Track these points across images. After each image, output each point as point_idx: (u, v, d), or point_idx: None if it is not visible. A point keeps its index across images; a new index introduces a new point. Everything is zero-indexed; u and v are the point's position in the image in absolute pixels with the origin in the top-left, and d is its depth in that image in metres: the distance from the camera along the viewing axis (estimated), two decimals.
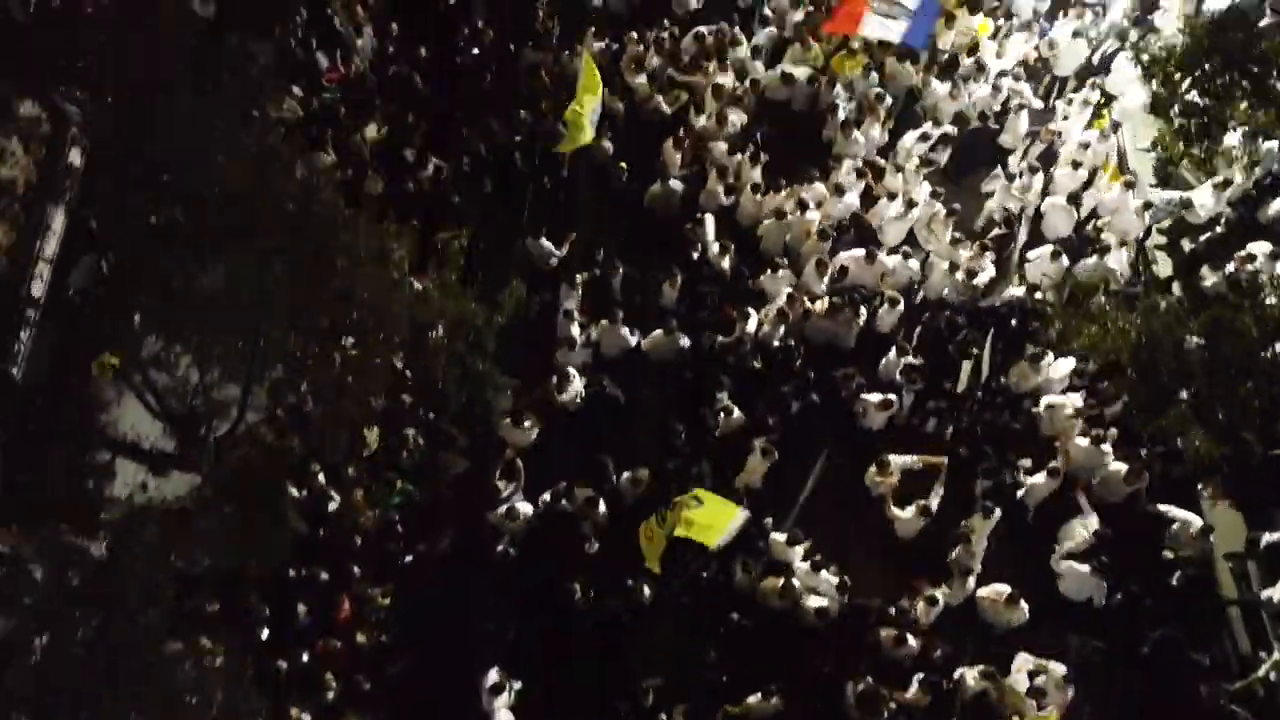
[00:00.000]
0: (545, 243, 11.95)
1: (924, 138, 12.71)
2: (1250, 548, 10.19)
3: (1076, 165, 12.54)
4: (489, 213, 12.78)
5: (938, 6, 12.03)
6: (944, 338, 11.77)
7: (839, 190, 11.87)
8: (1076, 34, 13.29)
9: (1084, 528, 10.09)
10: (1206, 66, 7.15)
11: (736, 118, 12.83)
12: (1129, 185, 11.70)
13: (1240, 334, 6.65)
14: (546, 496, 10.29)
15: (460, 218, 12.31)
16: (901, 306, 11.50)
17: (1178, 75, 7.36)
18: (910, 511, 10.22)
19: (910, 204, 11.88)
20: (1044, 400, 10.95)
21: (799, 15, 13.34)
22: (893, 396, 10.77)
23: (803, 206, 11.85)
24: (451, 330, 8.00)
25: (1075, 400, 10.78)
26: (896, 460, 10.43)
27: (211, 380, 9.96)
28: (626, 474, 10.34)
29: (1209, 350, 6.77)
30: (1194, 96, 7.56)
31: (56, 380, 10.48)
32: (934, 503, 10.19)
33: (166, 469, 8.94)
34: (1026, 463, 10.67)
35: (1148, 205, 11.67)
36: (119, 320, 9.25)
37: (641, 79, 13.19)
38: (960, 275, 11.62)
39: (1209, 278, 11.81)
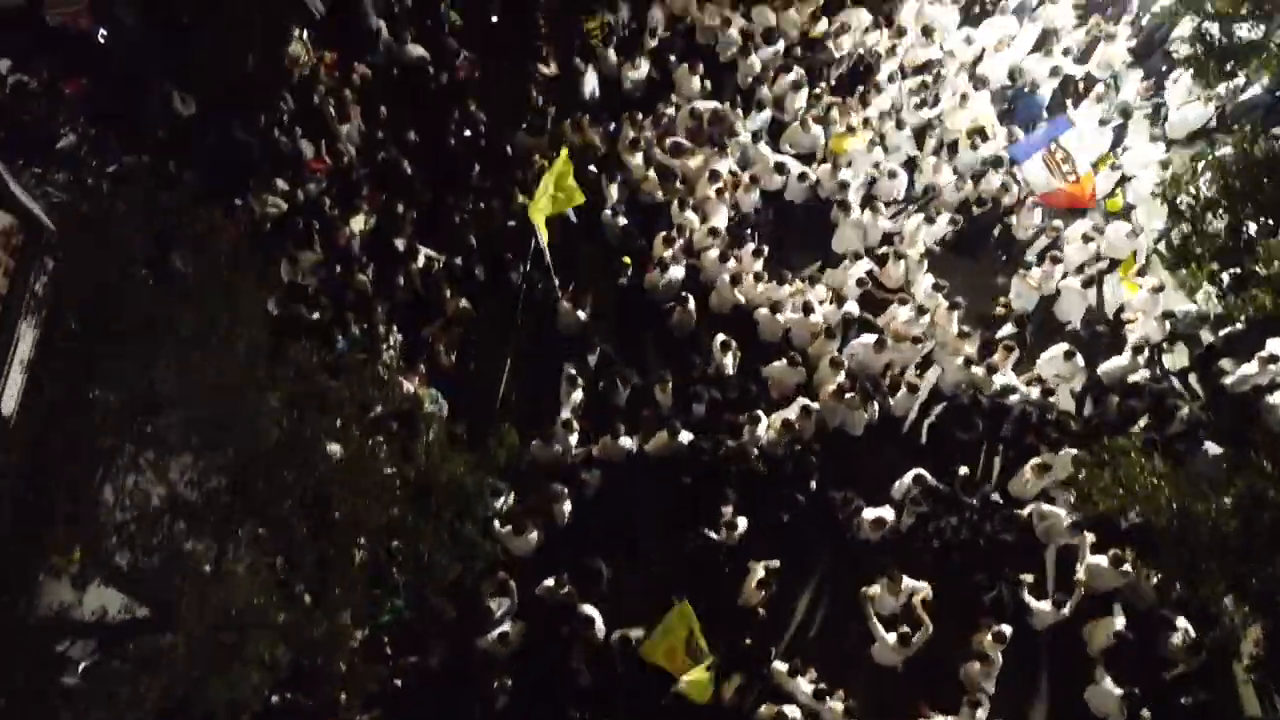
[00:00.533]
0: (570, 308, 11.73)
1: (929, 221, 12.30)
2: None
3: (1088, 239, 12.19)
4: (483, 303, 12.36)
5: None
6: (952, 435, 11.41)
7: (839, 300, 11.42)
8: (1103, 122, 12.85)
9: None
10: (1241, 210, 6.74)
11: (737, 202, 12.44)
12: (1157, 290, 11.30)
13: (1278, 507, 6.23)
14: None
15: (454, 313, 11.96)
16: (920, 394, 11.20)
17: (1207, 216, 6.96)
18: (893, 637, 9.76)
19: (920, 311, 11.45)
20: (1038, 508, 10.54)
21: (800, 100, 12.89)
22: (888, 514, 10.32)
23: (807, 309, 11.43)
24: (442, 497, 7.51)
25: (1064, 511, 10.35)
26: (908, 583, 9.97)
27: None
28: (617, 633, 9.99)
29: (1244, 523, 6.34)
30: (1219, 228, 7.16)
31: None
32: (917, 638, 9.75)
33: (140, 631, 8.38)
34: (1028, 578, 10.20)
35: (1168, 314, 11.29)
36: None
37: (638, 159, 12.77)
38: (978, 370, 11.24)
39: (1230, 374, 11.44)
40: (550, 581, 10.12)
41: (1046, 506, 10.59)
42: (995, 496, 10.99)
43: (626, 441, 10.71)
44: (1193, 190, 7.41)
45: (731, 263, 11.65)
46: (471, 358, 12.38)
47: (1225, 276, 7.12)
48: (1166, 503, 6.62)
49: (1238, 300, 7.43)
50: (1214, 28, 7.82)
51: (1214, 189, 7.23)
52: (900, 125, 13.03)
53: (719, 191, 12.06)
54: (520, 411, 11.85)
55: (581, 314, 11.92)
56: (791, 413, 10.81)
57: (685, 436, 10.63)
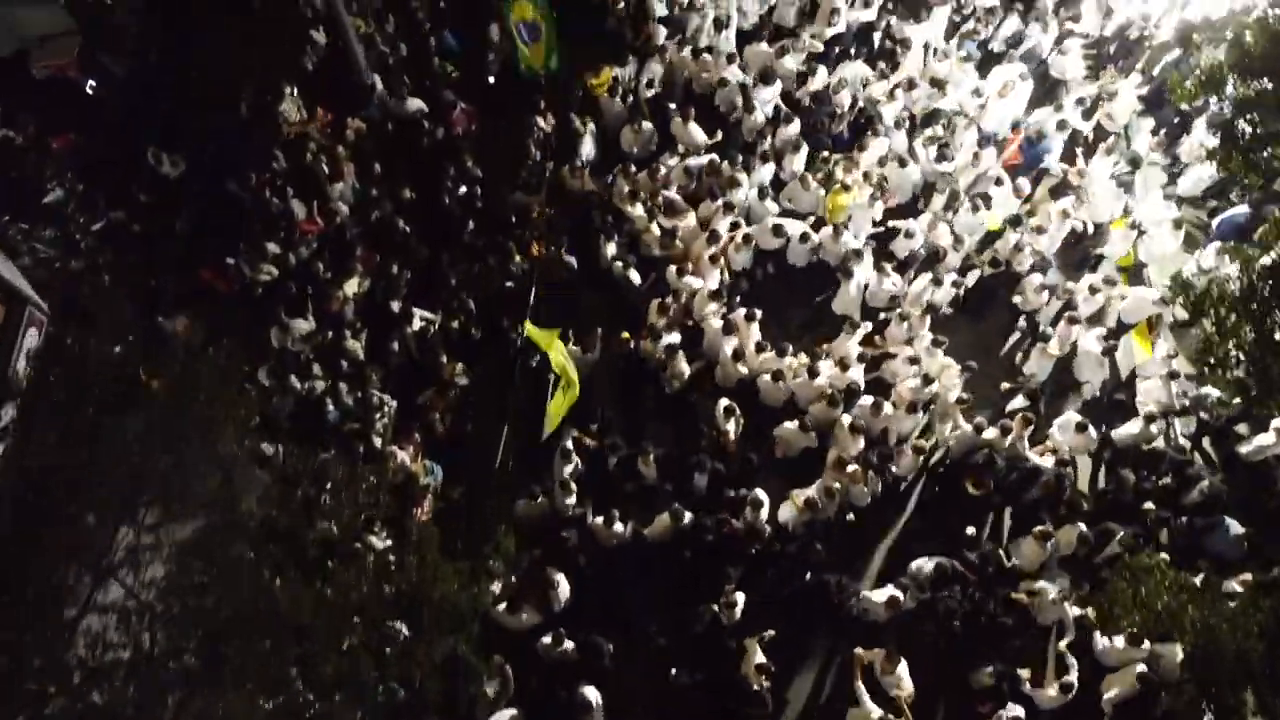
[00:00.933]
0: (577, 350, 11.51)
1: (936, 283, 12.00)
2: None
3: (1094, 291, 11.91)
4: (480, 364, 12.07)
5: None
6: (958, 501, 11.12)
7: (844, 365, 11.11)
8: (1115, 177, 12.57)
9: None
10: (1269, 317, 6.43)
11: (737, 257, 12.15)
12: (1173, 376, 11.01)
13: None
14: None
15: (450, 378, 11.68)
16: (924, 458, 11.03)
17: (1231, 318, 6.65)
18: (877, 712, 9.41)
19: (927, 380, 11.17)
20: (1035, 585, 10.20)
21: (799, 160, 12.57)
22: (899, 594, 10.02)
23: (811, 373, 11.15)
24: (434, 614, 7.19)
25: (1056, 588, 10.06)
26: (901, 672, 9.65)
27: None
28: None
29: (1270, 647, 6.05)
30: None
31: None
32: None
33: None
34: (1025, 673, 9.86)
35: (1194, 398, 11.03)
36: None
37: (638, 209, 12.46)
38: (991, 434, 10.97)
39: (1246, 444, 11.15)
40: (548, 639, 9.83)
41: (1040, 583, 10.26)
42: (1005, 559, 10.67)
43: (620, 527, 10.38)
44: (1215, 292, 7.10)
45: (734, 338, 11.32)
46: (469, 419, 12.11)
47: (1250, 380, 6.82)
48: (1190, 624, 6.33)
49: (1262, 402, 7.12)
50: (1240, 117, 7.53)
51: (1240, 290, 6.92)
52: (903, 163, 12.74)
53: (713, 258, 11.73)
54: (518, 477, 11.57)
55: (590, 355, 11.67)
56: (814, 490, 10.51)
57: (687, 517, 10.31)
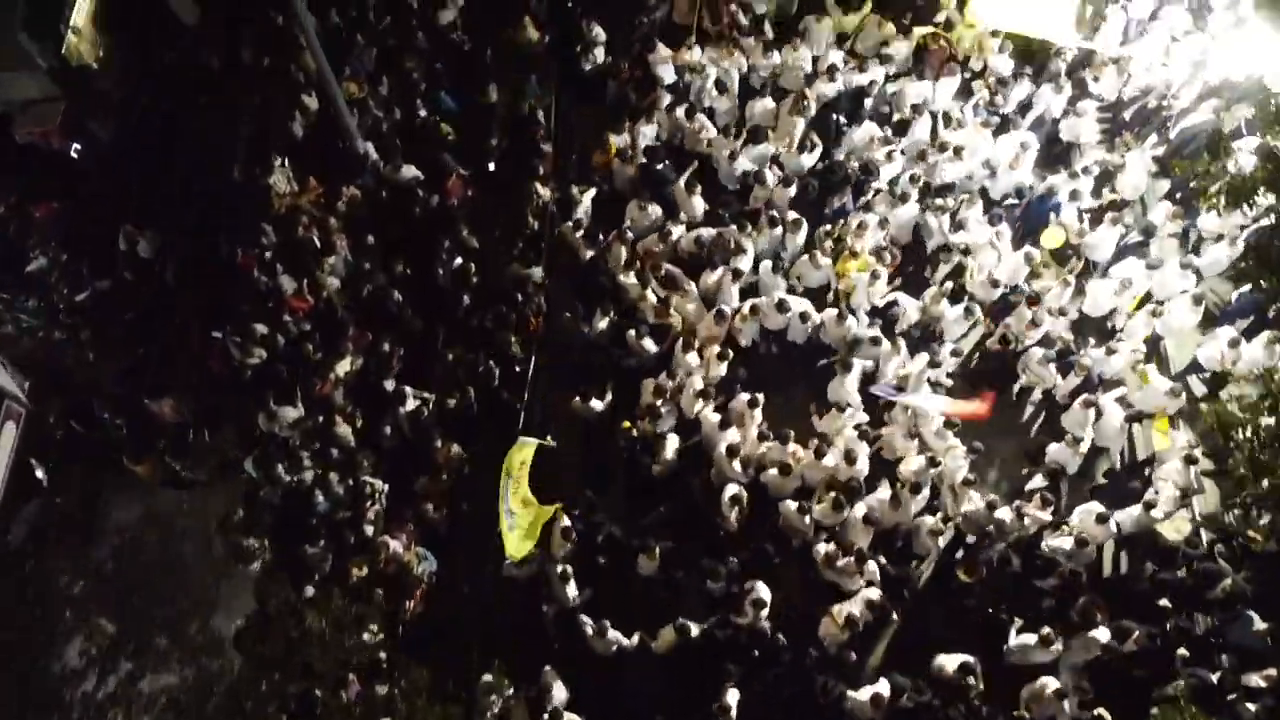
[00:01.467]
0: (591, 403, 11.31)
1: (934, 365, 11.59)
2: None
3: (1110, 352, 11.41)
4: (477, 444, 11.68)
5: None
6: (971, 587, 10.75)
7: (850, 459, 10.73)
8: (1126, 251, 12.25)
9: None
10: None
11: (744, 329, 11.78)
12: (1190, 461, 10.64)
13: None
14: None
15: (445, 460, 11.30)
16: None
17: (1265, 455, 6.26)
18: None
19: (933, 462, 10.79)
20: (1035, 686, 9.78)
21: (800, 238, 12.18)
22: (883, 691, 9.61)
23: (819, 454, 10.78)
24: None
25: (1054, 683, 9.64)
26: None
27: None
28: None
29: None
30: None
31: None
32: None
33: None
34: None
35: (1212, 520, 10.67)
36: None
37: (632, 279, 12.08)
38: (1004, 515, 10.59)
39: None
40: None
41: (1040, 682, 9.82)
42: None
43: (616, 635, 10.01)
44: (1240, 436, 6.71)
45: (733, 431, 10.95)
46: (465, 499, 11.74)
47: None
48: None
49: None
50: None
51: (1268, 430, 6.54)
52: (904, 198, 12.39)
53: (720, 354, 11.36)
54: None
55: (597, 404, 11.37)
56: (855, 606, 10.11)
57: (694, 630, 9.94)
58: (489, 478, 11.61)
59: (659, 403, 11.18)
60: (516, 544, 9.73)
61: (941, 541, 10.64)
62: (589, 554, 10.77)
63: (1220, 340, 11.30)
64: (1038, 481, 11.23)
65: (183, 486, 11.63)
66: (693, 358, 11.42)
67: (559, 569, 10.41)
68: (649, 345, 11.67)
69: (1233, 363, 11.07)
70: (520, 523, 9.87)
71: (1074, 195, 12.35)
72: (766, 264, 12.10)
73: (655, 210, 12.40)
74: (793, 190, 12.47)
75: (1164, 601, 10.46)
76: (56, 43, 12.03)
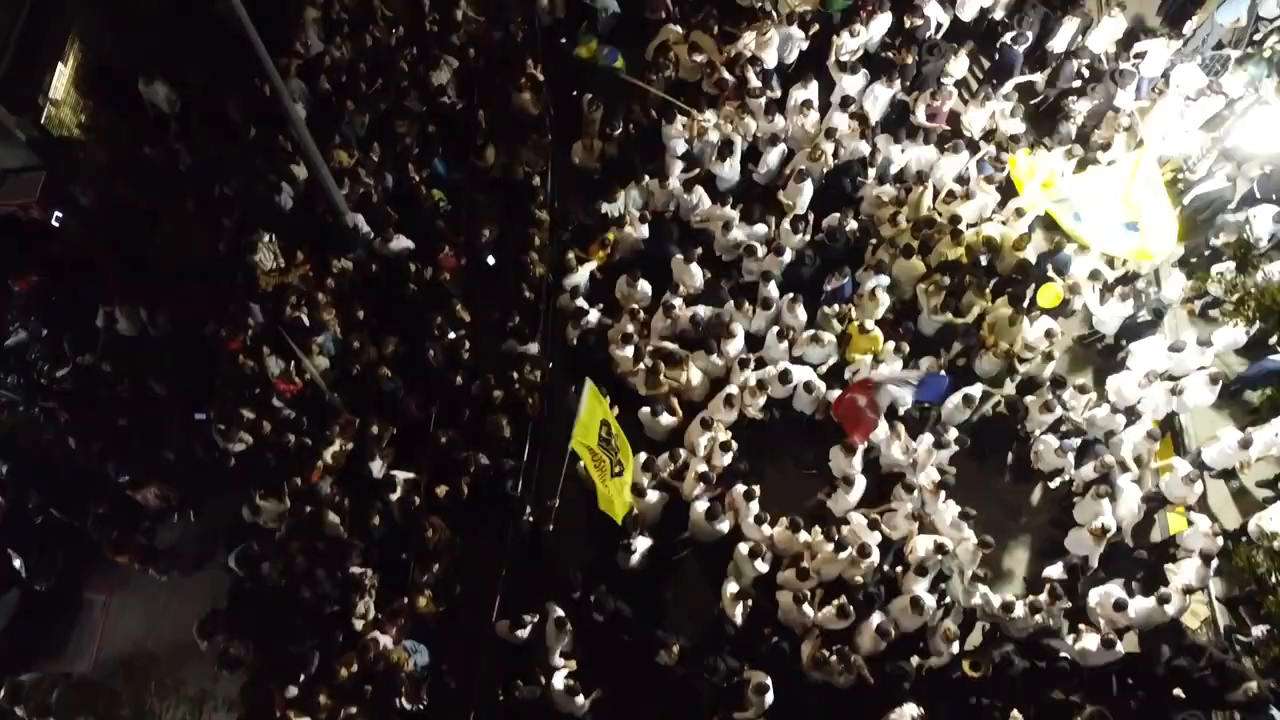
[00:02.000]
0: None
1: (940, 445, 11.22)
2: None
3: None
4: (469, 529, 11.28)
5: (944, 381, 11.25)
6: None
7: (863, 553, 10.34)
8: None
9: None
10: None
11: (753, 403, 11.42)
12: (1207, 559, 10.28)
13: None
14: None
15: (437, 546, 10.89)
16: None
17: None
18: None
19: (940, 549, 10.43)
20: None
21: (799, 314, 11.85)
22: None
23: (840, 547, 10.39)
24: None
25: None
26: None
27: None
28: None
29: None
30: None
31: None
32: None
33: None
34: None
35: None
36: None
37: (627, 351, 11.70)
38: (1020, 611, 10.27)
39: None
40: None
41: None
42: None
43: None
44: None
45: (724, 523, 10.62)
46: (457, 583, 11.33)
47: None
48: None
49: None
50: None
51: None
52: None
53: (724, 445, 10.98)
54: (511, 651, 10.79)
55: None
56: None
57: None
58: (482, 562, 11.36)
59: (645, 479, 10.84)
60: (621, 501, 9.79)
61: (955, 648, 10.22)
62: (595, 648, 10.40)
63: (1226, 441, 11.01)
64: (1056, 571, 10.84)
65: (165, 574, 11.28)
66: (703, 440, 11.06)
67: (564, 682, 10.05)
68: (666, 421, 11.34)
69: (1243, 464, 10.73)
70: (626, 477, 9.82)
71: (1094, 275, 12.03)
72: (773, 332, 11.75)
73: (644, 287, 12.03)
74: (787, 257, 12.11)
75: (1178, 690, 10.16)
76: (35, 114, 11.64)
